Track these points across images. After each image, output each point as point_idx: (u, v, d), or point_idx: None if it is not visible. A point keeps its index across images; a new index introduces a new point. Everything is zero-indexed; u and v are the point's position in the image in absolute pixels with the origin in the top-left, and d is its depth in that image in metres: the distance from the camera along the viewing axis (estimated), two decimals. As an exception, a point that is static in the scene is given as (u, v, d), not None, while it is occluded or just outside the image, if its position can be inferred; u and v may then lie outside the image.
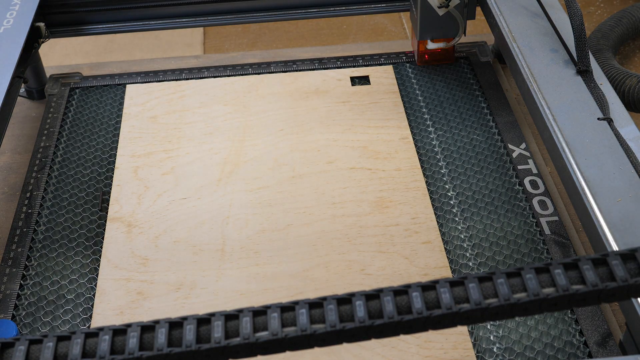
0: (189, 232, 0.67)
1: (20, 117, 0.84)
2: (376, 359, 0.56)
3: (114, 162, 0.75)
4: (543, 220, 0.67)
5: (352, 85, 0.83)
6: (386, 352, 0.57)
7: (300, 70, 0.86)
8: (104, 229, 0.68)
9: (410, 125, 0.78)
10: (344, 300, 0.40)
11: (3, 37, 0.76)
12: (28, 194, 0.72)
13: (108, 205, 0.69)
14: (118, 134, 0.78)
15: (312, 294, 0.61)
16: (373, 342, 0.57)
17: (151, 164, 0.73)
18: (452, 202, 0.70)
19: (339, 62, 0.87)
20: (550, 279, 0.40)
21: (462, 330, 0.58)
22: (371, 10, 0.93)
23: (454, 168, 0.73)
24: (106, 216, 0.69)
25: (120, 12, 0.88)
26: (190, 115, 0.79)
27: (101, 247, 0.66)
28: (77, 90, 0.85)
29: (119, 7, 0.88)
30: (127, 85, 0.84)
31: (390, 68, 0.85)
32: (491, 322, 0.59)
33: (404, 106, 0.80)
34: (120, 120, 0.80)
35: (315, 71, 0.85)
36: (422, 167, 0.73)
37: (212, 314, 0.40)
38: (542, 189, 0.70)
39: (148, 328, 0.40)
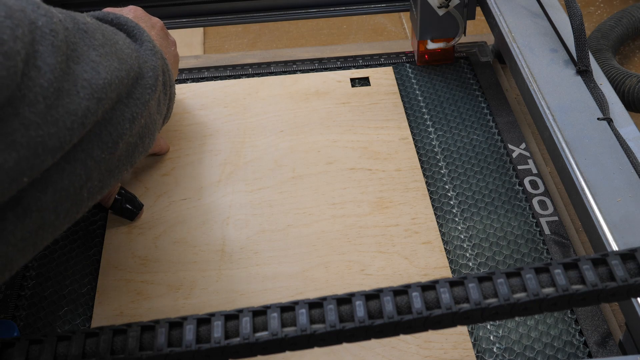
0: (189, 232, 0.67)
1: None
2: (376, 359, 0.56)
3: (114, 163, 0.75)
4: (543, 220, 0.67)
5: (352, 86, 0.83)
6: (386, 352, 0.57)
7: (300, 70, 0.86)
8: (104, 229, 0.68)
9: (410, 125, 0.78)
10: (344, 300, 0.40)
11: (3, 37, 0.75)
12: (28, 195, 0.72)
13: (132, 206, 0.68)
14: (118, 135, 0.78)
15: (312, 294, 0.61)
16: (373, 342, 0.57)
17: (151, 165, 0.73)
18: (452, 202, 0.70)
19: (339, 62, 0.87)
20: (550, 279, 0.40)
21: (462, 330, 0.58)
22: (371, 10, 0.93)
23: (454, 168, 0.73)
24: (106, 216, 0.69)
25: (120, 13, 0.88)
26: (191, 118, 0.79)
27: (101, 247, 0.66)
28: (77, 91, 0.85)
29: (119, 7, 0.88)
30: (127, 86, 0.84)
31: (390, 69, 0.85)
32: (491, 322, 0.59)
33: (404, 106, 0.80)
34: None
35: (315, 73, 0.86)
36: (422, 167, 0.73)
37: (212, 314, 0.40)
38: (542, 189, 0.71)
39: (148, 328, 0.40)
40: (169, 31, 0.74)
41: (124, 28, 0.56)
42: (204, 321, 0.40)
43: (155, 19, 0.70)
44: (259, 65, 0.88)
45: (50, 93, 0.40)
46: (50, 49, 0.41)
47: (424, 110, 0.80)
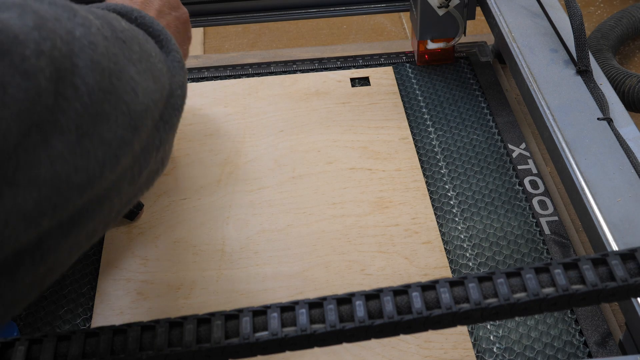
0: (189, 232, 0.67)
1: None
2: (376, 359, 0.56)
3: (114, 163, 0.74)
4: (543, 220, 0.67)
5: (352, 86, 0.83)
6: (386, 352, 0.57)
7: (300, 70, 0.86)
8: (104, 229, 0.68)
9: (410, 125, 0.78)
10: (344, 300, 0.40)
11: (3, 37, 0.75)
12: (28, 195, 0.72)
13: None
14: (118, 135, 0.78)
15: (312, 294, 0.61)
16: (373, 342, 0.57)
17: (151, 164, 0.73)
18: (452, 202, 0.70)
19: (339, 62, 0.87)
20: (550, 279, 0.40)
21: (462, 330, 0.58)
22: (371, 10, 0.93)
23: (454, 168, 0.73)
24: (106, 216, 0.69)
25: (120, 13, 0.88)
26: (191, 117, 0.79)
27: (101, 247, 0.66)
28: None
29: (119, 7, 0.88)
30: (127, 86, 0.84)
31: (390, 69, 0.85)
32: (491, 322, 0.59)
33: (404, 106, 0.80)
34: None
35: (315, 73, 0.86)
36: (422, 167, 0.73)
37: (212, 314, 0.40)
38: (542, 189, 0.71)
39: (148, 328, 0.40)
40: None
41: (150, 31, 0.48)
42: (204, 321, 0.40)
43: (183, 10, 0.61)
44: (259, 65, 0.88)
45: (86, 119, 0.35)
46: (89, 64, 0.36)
47: (424, 110, 0.80)
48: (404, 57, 0.88)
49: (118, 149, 0.38)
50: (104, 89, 0.36)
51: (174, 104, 0.46)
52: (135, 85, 0.39)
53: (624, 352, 0.55)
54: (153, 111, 0.42)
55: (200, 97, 0.81)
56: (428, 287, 0.41)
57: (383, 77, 0.83)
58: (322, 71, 0.86)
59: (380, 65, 0.87)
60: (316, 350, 0.41)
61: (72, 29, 0.36)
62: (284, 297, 0.61)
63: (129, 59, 0.40)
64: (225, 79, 0.86)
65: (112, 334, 0.40)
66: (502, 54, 0.78)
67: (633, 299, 0.50)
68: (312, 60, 0.88)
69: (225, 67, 0.87)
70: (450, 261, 0.64)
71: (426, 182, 0.71)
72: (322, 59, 0.88)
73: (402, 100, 0.81)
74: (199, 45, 1.20)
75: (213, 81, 0.85)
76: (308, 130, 0.77)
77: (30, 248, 0.34)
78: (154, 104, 0.42)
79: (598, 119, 0.64)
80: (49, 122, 0.33)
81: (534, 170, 0.72)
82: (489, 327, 0.59)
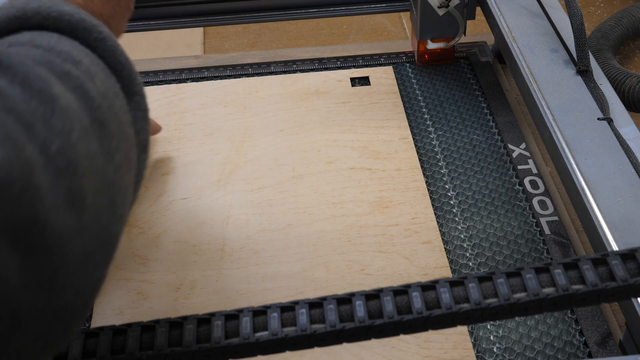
0: (189, 232, 0.67)
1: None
2: (376, 359, 0.56)
3: (114, 162, 0.74)
4: (543, 220, 0.67)
5: (352, 86, 0.83)
6: (386, 352, 0.57)
7: (300, 70, 0.86)
8: (104, 229, 0.68)
9: (410, 125, 0.78)
10: (344, 300, 0.40)
11: (3, 37, 0.75)
12: (28, 194, 0.72)
13: None
14: (118, 134, 0.78)
15: (312, 294, 0.61)
16: (373, 342, 0.57)
17: (151, 165, 0.73)
18: (452, 202, 0.70)
19: (339, 62, 0.87)
20: (550, 279, 0.40)
21: (462, 330, 0.58)
22: (371, 10, 0.93)
23: (454, 168, 0.73)
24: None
25: (120, 13, 0.88)
26: (191, 117, 0.79)
27: (101, 247, 0.66)
28: (77, 91, 0.85)
29: (119, 7, 0.88)
30: (127, 86, 0.84)
31: (390, 69, 0.85)
32: (491, 322, 0.59)
33: (404, 106, 0.80)
34: (121, 121, 0.79)
35: (315, 72, 0.85)
36: (422, 167, 0.73)
37: (212, 314, 0.40)
38: (542, 189, 0.71)
39: (148, 328, 0.40)
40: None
41: (112, 62, 0.38)
42: (204, 321, 0.40)
43: None
44: (259, 65, 0.87)
45: (61, 279, 0.27)
46: (69, 200, 0.27)
47: (424, 110, 0.80)
48: (404, 57, 0.88)
49: (90, 295, 0.30)
50: (82, 227, 0.28)
51: (139, 175, 0.38)
52: (113, 196, 0.31)
53: (624, 352, 0.55)
54: (127, 218, 0.34)
55: (200, 96, 0.81)
56: (428, 287, 0.41)
57: (383, 77, 0.83)
58: (322, 71, 0.86)
59: (380, 65, 0.87)
60: (316, 350, 0.41)
61: (47, 143, 0.27)
62: (284, 297, 0.61)
63: (107, 152, 0.31)
64: (225, 78, 0.86)
65: (112, 334, 0.40)
66: (502, 54, 0.78)
67: (633, 299, 0.50)
68: (312, 60, 0.88)
69: (225, 67, 0.87)
70: (450, 261, 0.64)
71: (426, 182, 0.71)
72: (322, 59, 0.88)
73: (402, 100, 0.81)
74: (199, 45, 1.20)
75: (213, 81, 0.85)
76: (308, 130, 0.77)
77: None
78: (129, 210, 0.34)
79: (598, 119, 0.64)
80: (16, 301, 0.24)
81: (534, 170, 0.72)
82: (489, 327, 0.59)
